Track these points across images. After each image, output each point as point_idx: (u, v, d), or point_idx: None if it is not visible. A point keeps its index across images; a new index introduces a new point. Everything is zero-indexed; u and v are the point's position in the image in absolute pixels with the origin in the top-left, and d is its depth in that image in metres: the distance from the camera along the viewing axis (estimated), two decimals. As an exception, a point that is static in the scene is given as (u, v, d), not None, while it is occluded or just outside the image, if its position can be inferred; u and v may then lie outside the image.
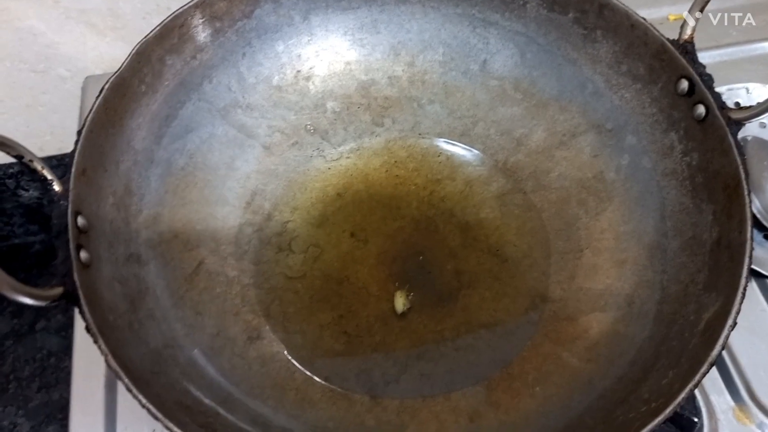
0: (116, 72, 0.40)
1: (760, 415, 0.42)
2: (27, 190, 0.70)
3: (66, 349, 0.48)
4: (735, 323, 0.33)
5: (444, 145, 0.49)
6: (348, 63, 0.50)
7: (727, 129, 0.38)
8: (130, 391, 0.30)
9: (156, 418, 0.30)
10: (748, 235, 0.35)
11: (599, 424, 0.34)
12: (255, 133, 0.48)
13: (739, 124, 0.38)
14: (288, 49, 0.49)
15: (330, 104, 0.50)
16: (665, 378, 0.33)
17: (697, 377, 0.31)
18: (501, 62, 0.49)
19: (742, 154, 0.37)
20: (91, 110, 0.38)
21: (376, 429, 0.38)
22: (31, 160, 0.35)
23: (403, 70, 0.50)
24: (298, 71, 0.49)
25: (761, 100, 0.38)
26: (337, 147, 0.49)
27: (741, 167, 0.36)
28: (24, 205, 0.72)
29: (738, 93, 0.52)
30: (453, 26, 0.49)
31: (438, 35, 0.49)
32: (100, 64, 0.59)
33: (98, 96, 0.39)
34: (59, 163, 0.65)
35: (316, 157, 0.49)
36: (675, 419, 0.41)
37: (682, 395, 0.31)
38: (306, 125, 0.49)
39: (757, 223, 0.48)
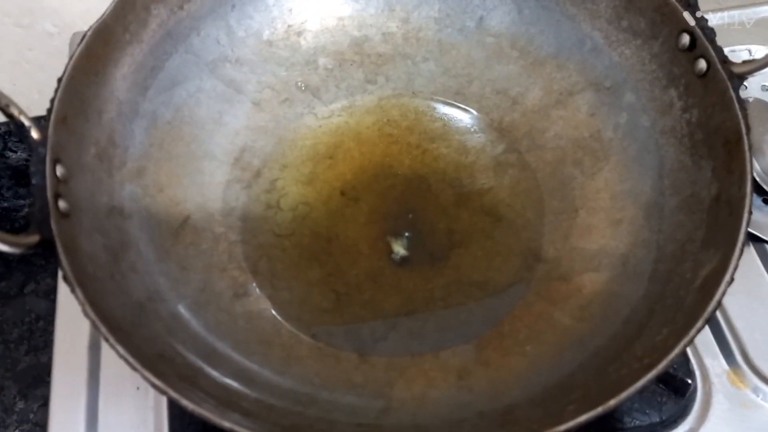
0: (99, 18, 0.39)
1: (755, 379, 0.41)
2: (15, 152, 0.69)
3: (54, 313, 0.48)
4: (732, 279, 0.32)
5: (438, 103, 0.48)
6: (341, 18, 0.49)
7: (728, 83, 0.36)
8: (107, 340, 0.29)
9: (134, 368, 0.29)
10: (748, 189, 0.34)
11: (591, 381, 0.33)
12: (244, 89, 0.46)
13: (741, 78, 0.37)
14: (279, 2, 0.47)
15: (322, 61, 0.48)
16: (659, 335, 0.33)
17: (691, 332, 0.30)
18: (498, 19, 0.47)
19: (743, 108, 0.36)
20: (72, 56, 0.37)
21: (363, 386, 0.37)
22: (7, 105, 0.34)
23: (397, 27, 0.49)
24: (290, 26, 0.48)
25: (765, 59, 0.37)
26: (328, 104, 0.48)
27: (742, 121, 0.35)
28: (12, 167, 0.70)
29: (740, 55, 0.51)
30: (449, -20, 0.48)
31: (434, -10, 0.48)
32: (87, 20, 0.57)
33: (80, 42, 0.38)
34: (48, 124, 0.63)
35: (307, 114, 0.47)
36: (669, 381, 0.40)
37: (676, 351, 0.30)
38: (297, 82, 0.48)
39: (756, 187, 0.47)
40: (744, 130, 0.35)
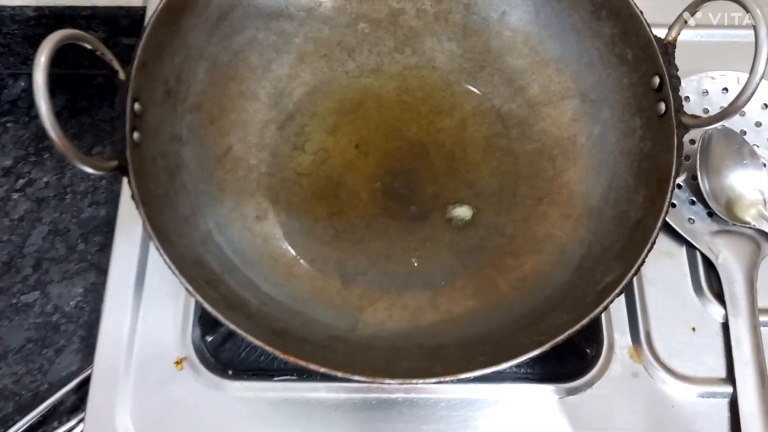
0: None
1: (650, 357, 0.51)
2: (96, 31, 0.79)
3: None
4: (623, 291, 0.41)
5: (452, 81, 0.56)
6: (384, -12, 0.56)
7: (675, 130, 0.44)
8: (158, 250, 0.41)
9: (175, 274, 0.41)
10: (659, 224, 0.43)
11: (503, 339, 0.44)
12: (292, 42, 0.55)
13: (686, 128, 0.45)
14: (333, -31, 0.55)
15: (361, 25, 0.56)
16: (559, 319, 0.43)
17: (575, 327, 0.40)
18: (518, 16, 0.55)
19: (680, 155, 0.44)
20: (155, 11, 0.46)
21: (341, 306, 0.49)
22: (102, 53, 0.43)
23: (431, 6, 0.56)
24: (339, -11, 0.55)
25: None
26: (359, 65, 0.56)
27: (674, 167, 0.44)
28: (92, 44, 0.80)
29: (729, 80, 0.57)
30: (483, -27, 0.54)
31: (468, -21, 0.55)
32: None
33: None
34: (127, 14, 0.72)
35: (340, 71, 0.56)
36: (573, 347, 0.51)
37: (559, 338, 0.40)
38: (338, 41, 0.56)
39: (703, 200, 0.55)
40: (673, 174, 0.44)
